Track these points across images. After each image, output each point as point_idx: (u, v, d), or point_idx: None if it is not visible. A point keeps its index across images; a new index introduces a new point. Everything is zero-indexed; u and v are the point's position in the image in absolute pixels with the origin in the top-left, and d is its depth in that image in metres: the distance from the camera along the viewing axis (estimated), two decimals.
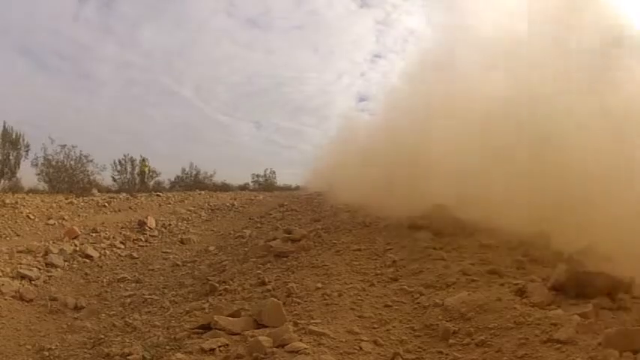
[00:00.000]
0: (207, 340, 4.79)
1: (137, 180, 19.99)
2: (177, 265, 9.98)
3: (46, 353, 6.36)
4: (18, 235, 11.07)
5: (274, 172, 26.69)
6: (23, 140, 17.42)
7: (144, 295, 8.16)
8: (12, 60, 32.58)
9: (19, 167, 17.32)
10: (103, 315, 7.64)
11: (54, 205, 13.76)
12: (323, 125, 41.44)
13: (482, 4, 10.05)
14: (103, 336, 6.54)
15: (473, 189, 7.67)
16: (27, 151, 17.50)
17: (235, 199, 17.41)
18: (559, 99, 7.46)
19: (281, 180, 26.91)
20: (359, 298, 5.60)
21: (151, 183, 20.80)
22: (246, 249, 9.52)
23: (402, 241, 7.54)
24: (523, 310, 4.61)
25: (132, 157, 20.17)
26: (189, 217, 14.16)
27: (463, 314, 4.77)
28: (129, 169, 20.11)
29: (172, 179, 22.42)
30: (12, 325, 6.99)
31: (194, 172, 23.09)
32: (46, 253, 9.75)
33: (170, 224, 13.24)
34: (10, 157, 17.05)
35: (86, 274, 9.50)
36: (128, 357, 5.25)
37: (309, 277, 6.47)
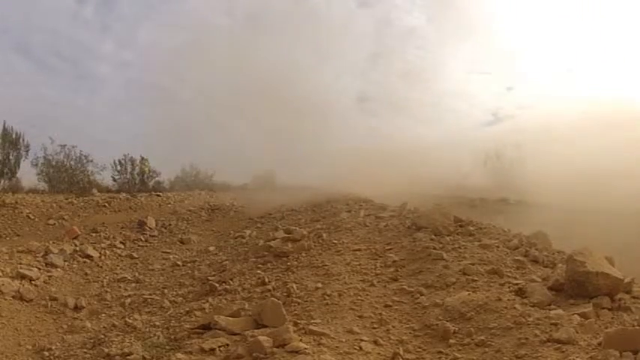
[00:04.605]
0: (207, 340, 4.80)
1: (137, 180, 19.97)
2: (177, 265, 9.97)
3: (46, 353, 6.35)
4: (18, 235, 11.08)
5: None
6: (23, 140, 17.38)
7: (144, 295, 8.16)
8: (12, 60, 32.56)
9: (19, 167, 17.29)
10: (103, 315, 7.63)
11: (54, 205, 13.74)
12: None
13: None
14: (103, 336, 6.53)
15: None
16: (27, 151, 17.47)
17: (235, 199, 17.40)
18: None
19: (280, 180, 26.86)
20: (359, 298, 5.60)
21: (151, 183, 20.76)
22: (246, 249, 9.51)
23: (402, 241, 7.54)
24: (523, 310, 4.61)
25: (132, 157, 20.08)
26: (189, 217, 14.12)
27: (463, 314, 4.78)
28: (129, 169, 20.03)
29: (172, 179, 22.37)
30: (12, 325, 6.98)
31: (194, 172, 23.04)
32: (46, 253, 9.74)
33: (170, 224, 13.22)
34: (10, 157, 17.02)
35: (86, 274, 9.49)
36: (128, 357, 5.25)
37: (309, 277, 6.48)
